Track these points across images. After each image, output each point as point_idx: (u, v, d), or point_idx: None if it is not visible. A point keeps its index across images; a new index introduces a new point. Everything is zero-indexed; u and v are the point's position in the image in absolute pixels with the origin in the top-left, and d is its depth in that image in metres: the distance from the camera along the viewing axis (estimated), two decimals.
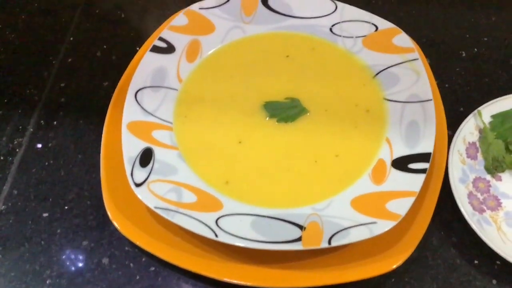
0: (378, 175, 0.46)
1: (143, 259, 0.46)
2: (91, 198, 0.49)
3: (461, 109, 0.55)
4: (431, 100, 0.48)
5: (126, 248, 0.47)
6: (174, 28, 0.54)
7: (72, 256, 0.46)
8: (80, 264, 0.46)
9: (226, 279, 0.43)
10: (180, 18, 0.54)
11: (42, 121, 0.55)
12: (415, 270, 0.45)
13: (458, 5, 0.64)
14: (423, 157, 0.45)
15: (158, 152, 0.47)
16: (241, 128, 0.49)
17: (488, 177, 0.50)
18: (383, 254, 0.43)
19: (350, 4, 0.55)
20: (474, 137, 0.51)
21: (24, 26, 0.63)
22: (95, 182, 0.50)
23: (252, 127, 0.49)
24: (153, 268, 0.46)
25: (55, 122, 0.55)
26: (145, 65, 0.51)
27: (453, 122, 0.51)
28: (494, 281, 0.45)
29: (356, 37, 0.54)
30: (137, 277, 0.45)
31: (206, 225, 0.42)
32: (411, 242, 0.43)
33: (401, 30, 0.52)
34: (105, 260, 0.46)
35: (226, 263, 0.43)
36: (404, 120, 0.48)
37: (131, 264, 0.46)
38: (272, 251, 0.42)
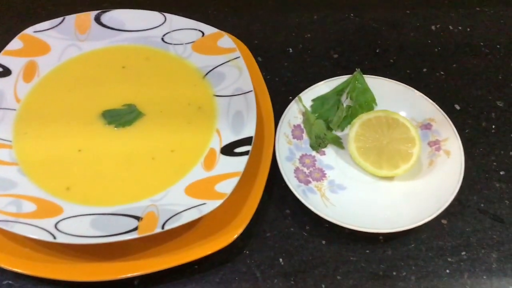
0: (209, 163, 0.50)
1: None
2: None
3: (290, 97, 0.61)
4: (252, 91, 0.54)
5: None
6: (9, 52, 0.55)
7: None
8: None
9: (76, 279, 0.45)
10: (14, 43, 0.56)
11: None
12: (255, 243, 0.50)
13: (283, 8, 0.72)
14: (247, 141, 0.50)
15: None
16: (80, 137, 0.52)
17: (314, 153, 0.56)
18: (223, 231, 0.47)
19: (186, 17, 0.60)
20: (298, 120, 0.57)
21: None
22: None
23: (91, 135, 0.52)
24: (6, 282, 0.47)
25: None
26: None
27: (284, 110, 0.57)
28: (324, 241, 0.51)
29: (186, 43, 0.59)
30: None
31: (44, 229, 0.44)
32: (246, 216, 0.48)
33: (224, 33, 0.58)
34: None
35: (75, 265, 0.46)
36: (231, 111, 0.54)
37: None
38: (114, 245, 0.45)
